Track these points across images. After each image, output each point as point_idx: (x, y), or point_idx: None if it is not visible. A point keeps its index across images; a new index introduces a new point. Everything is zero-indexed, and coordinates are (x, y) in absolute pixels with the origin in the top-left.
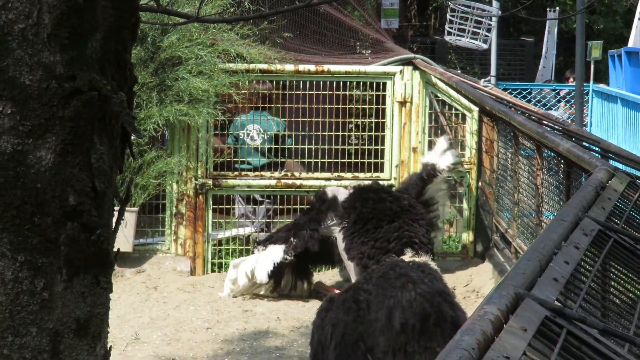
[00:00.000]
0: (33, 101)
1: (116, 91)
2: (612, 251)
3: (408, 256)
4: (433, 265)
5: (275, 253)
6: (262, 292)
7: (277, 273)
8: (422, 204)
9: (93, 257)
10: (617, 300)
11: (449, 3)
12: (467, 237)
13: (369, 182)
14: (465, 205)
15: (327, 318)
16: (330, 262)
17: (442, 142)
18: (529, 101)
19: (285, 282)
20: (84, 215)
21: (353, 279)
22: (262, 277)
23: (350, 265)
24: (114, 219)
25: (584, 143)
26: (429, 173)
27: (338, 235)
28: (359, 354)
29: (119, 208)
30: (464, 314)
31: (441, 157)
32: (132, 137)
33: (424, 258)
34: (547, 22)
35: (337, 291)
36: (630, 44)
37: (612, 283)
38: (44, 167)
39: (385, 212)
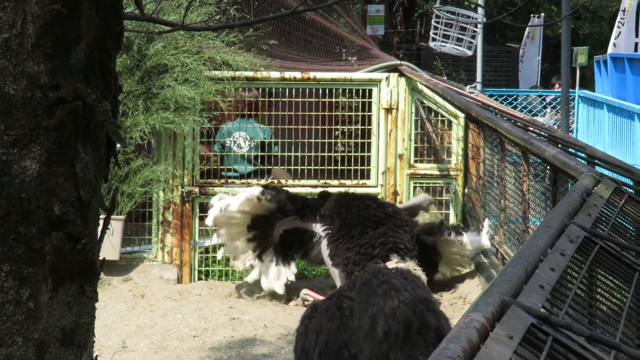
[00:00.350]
0: (17, 111)
1: (101, 100)
2: (598, 258)
3: (394, 262)
4: (418, 272)
5: (252, 190)
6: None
7: (259, 237)
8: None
9: (78, 267)
10: (604, 307)
11: (434, 9)
12: None
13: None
14: (452, 211)
15: (310, 325)
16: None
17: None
18: (515, 107)
19: (266, 260)
20: (69, 225)
21: (338, 285)
22: (234, 207)
23: (335, 272)
24: (100, 228)
25: (570, 149)
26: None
27: (323, 240)
28: None
29: (104, 217)
30: (447, 321)
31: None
32: (118, 146)
33: (409, 264)
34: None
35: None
36: (610, 49)
37: (599, 290)
38: (28, 177)
39: (370, 218)
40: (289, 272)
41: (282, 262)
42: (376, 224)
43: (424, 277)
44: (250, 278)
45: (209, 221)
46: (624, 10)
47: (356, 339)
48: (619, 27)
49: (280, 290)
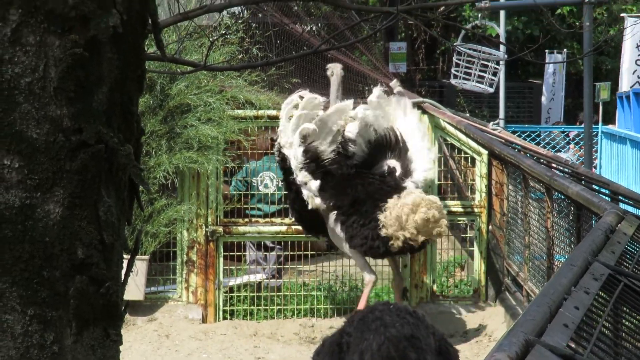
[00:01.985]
0: (40, 155)
1: (123, 143)
2: (622, 295)
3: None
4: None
5: None
6: None
7: None
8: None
9: (102, 310)
10: (629, 345)
11: (456, 47)
12: (479, 280)
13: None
14: (476, 248)
15: None
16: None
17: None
18: (538, 143)
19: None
20: (92, 268)
21: (358, 262)
22: None
23: (353, 253)
24: (123, 271)
25: (593, 185)
26: None
27: (333, 224)
28: None
29: (128, 258)
30: (436, 358)
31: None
32: (141, 188)
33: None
34: (548, 66)
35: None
36: (624, 86)
37: (624, 328)
38: (52, 221)
39: (378, 192)
40: None
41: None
42: (386, 197)
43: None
44: None
45: None
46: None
47: None
48: (638, 64)
49: None
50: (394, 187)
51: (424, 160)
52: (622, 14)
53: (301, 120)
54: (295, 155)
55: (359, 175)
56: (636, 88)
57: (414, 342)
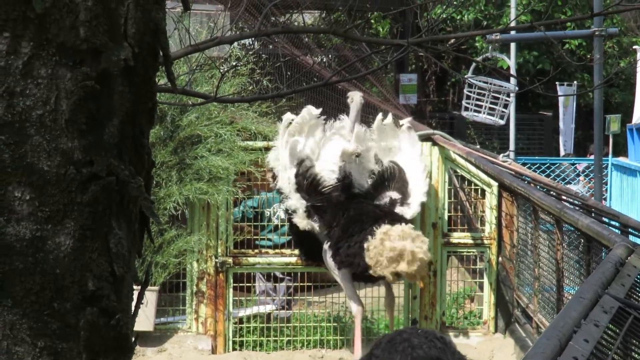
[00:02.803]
0: (51, 187)
1: (134, 176)
2: (632, 328)
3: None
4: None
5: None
6: None
7: None
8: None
9: (113, 342)
10: None
11: (466, 79)
12: (489, 312)
13: None
14: (485, 280)
15: None
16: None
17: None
18: (548, 176)
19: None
20: (103, 300)
21: (346, 290)
22: None
23: (340, 276)
24: (134, 302)
25: (603, 218)
26: None
27: (326, 249)
28: None
29: (138, 290)
30: None
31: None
32: (151, 220)
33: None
34: (559, 97)
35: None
36: (637, 118)
37: None
38: (62, 253)
39: (369, 214)
40: None
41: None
42: (375, 220)
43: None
44: None
45: None
46: None
47: None
48: None
49: None
50: (387, 212)
51: (420, 193)
52: (634, 47)
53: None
54: (289, 177)
55: (353, 199)
56: None
57: None
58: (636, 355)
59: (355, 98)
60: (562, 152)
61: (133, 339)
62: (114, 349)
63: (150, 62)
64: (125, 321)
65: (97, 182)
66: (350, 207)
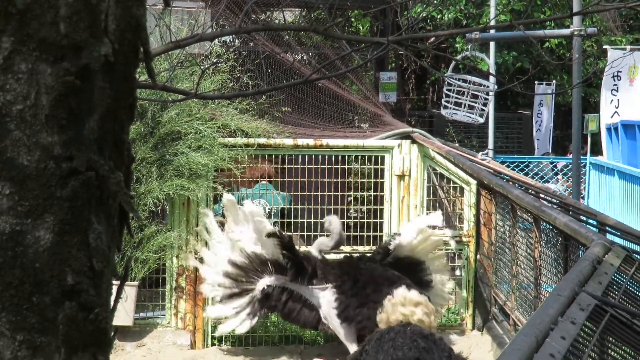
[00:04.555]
0: (31, 181)
1: (114, 171)
2: (608, 326)
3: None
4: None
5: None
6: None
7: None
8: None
9: (91, 336)
10: None
11: (446, 77)
12: (466, 309)
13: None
14: (463, 277)
15: None
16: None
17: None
18: (527, 174)
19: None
20: (82, 295)
21: (345, 341)
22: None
23: (344, 331)
24: (113, 297)
25: (581, 216)
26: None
27: (328, 301)
28: None
29: (117, 285)
30: None
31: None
32: (130, 216)
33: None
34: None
35: None
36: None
37: (609, 358)
38: (42, 247)
39: (383, 275)
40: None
41: (252, 316)
42: (390, 282)
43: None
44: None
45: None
46: (615, 76)
47: None
48: (614, 94)
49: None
50: (397, 275)
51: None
52: (605, 46)
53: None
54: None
55: (363, 261)
56: (624, 120)
57: None
58: (612, 353)
59: (333, 224)
60: (536, 151)
61: (112, 333)
62: (93, 343)
63: (131, 58)
64: (104, 316)
65: (76, 177)
66: (360, 267)
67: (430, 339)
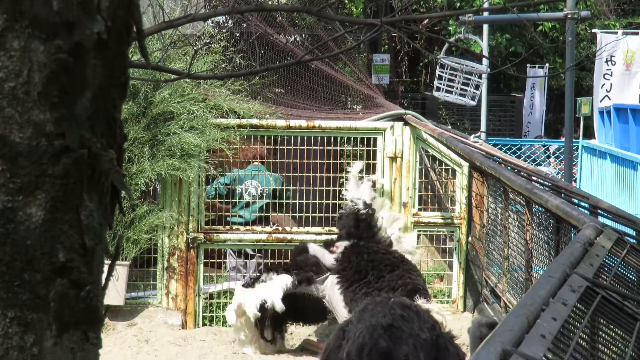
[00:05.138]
0: (23, 159)
1: (106, 149)
2: (599, 308)
3: (420, 303)
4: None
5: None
6: (243, 337)
7: (262, 319)
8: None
9: (82, 314)
10: (605, 357)
11: (439, 60)
12: (457, 291)
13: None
14: (455, 259)
15: (328, 343)
16: (308, 319)
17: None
18: (519, 157)
19: (268, 333)
20: (73, 272)
21: None
22: (252, 310)
23: (348, 315)
24: (104, 275)
25: (573, 199)
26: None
27: (331, 289)
28: None
29: (109, 263)
30: (412, 347)
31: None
32: (123, 194)
33: (433, 305)
34: (530, 79)
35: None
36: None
37: (600, 339)
38: (33, 224)
39: (384, 262)
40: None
41: (275, 332)
42: (391, 267)
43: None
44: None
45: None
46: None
47: (341, 356)
48: (607, 78)
49: None
50: (400, 259)
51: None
52: (594, 30)
53: None
54: None
55: (364, 245)
56: (617, 103)
57: (391, 332)
58: (603, 334)
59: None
60: (528, 135)
61: (103, 312)
62: (84, 321)
63: (124, 36)
64: (95, 293)
65: (68, 154)
66: (363, 252)
67: (412, 309)
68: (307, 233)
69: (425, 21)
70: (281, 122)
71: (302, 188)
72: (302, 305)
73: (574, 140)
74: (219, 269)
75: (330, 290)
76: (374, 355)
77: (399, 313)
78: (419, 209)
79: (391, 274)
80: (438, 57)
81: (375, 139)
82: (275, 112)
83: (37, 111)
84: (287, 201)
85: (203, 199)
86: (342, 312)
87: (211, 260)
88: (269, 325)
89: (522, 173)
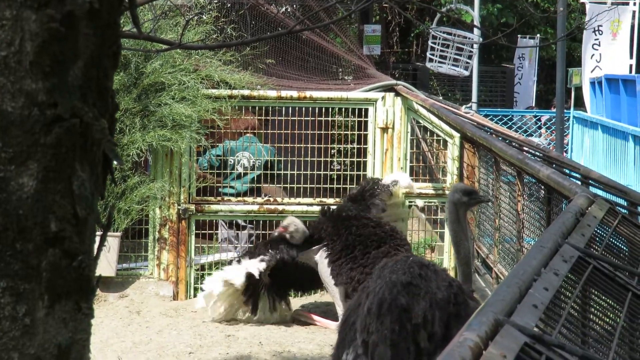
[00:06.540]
0: (15, 128)
1: (98, 118)
2: (591, 278)
3: None
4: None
5: (250, 264)
6: (240, 317)
7: (252, 294)
8: None
9: (74, 284)
10: (597, 327)
11: (430, 30)
12: (449, 262)
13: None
14: (446, 230)
15: (350, 303)
16: (307, 287)
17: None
18: (510, 127)
19: (263, 304)
20: (65, 242)
21: (338, 305)
22: (238, 280)
23: (335, 291)
24: (96, 245)
25: (564, 169)
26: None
27: (321, 261)
28: (352, 333)
29: (101, 234)
30: (428, 304)
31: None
32: (114, 163)
33: None
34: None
35: (316, 317)
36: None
37: (592, 310)
38: (25, 194)
39: (371, 237)
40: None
41: (277, 302)
42: (378, 243)
43: None
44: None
45: (200, 304)
46: (596, 31)
47: (361, 313)
48: (595, 49)
49: None
50: (389, 233)
51: None
52: (581, 1)
53: None
54: None
55: (356, 217)
56: (608, 74)
57: (409, 289)
58: (594, 304)
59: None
60: (517, 105)
61: (95, 282)
62: (76, 291)
63: (115, 5)
64: (87, 263)
65: (60, 124)
66: (352, 225)
67: (430, 268)
68: (299, 204)
69: None
70: (272, 93)
71: (294, 159)
72: (300, 276)
73: (565, 110)
74: (210, 240)
75: (320, 261)
76: (393, 309)
77: (417, 272)
78: (411, 180)
79: (377, 251)
80: (430, 27)
81: (366, 110)
82: (266, 83)
83: (29, 80)
84: (278, 172)
85: (194, 169)
86: (330, 284)
87: (202, 232)
88: (266, 294)
89: (514, 144)
